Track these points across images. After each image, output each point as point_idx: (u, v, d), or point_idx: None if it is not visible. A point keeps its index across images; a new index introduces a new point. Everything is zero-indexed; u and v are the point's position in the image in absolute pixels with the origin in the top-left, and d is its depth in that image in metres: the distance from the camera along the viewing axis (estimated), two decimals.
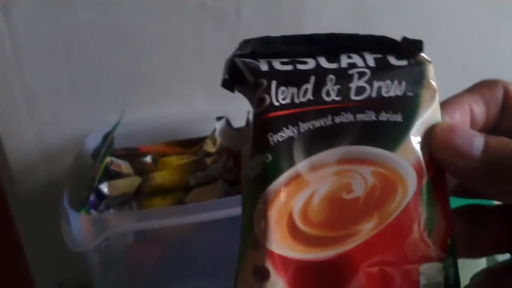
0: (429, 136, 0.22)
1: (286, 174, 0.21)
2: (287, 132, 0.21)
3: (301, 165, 0.21)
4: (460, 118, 0.23)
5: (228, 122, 0.62)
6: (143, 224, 0.49)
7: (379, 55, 0.23)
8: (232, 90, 0.23)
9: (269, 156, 0.21)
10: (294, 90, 0.22)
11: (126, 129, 0.61)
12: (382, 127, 0.22)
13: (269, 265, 0.20)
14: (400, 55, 0.23)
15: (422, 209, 0.22)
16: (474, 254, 0.24)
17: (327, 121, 0.22)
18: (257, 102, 0.22)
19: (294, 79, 0.22)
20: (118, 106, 0.63)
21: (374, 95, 0.22)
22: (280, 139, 0.21)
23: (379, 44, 0.23)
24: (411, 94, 0.22)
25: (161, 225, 0.48)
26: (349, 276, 0.21)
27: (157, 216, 0.49)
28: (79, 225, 0.47)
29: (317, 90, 0.22)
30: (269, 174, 0.21)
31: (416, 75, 0.23)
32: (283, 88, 0.22)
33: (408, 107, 0.22)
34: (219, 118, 0.61)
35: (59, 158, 0.65)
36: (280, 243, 0.21)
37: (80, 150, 0.59)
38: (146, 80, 0.65)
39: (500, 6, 0.67)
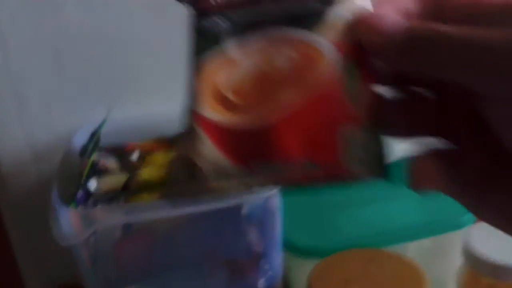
0: (352, 21, 0.24)
1: (215, 53, 0.25)
2: (219, 22, 0.25)
3: (230, 47, 0.25)
4: (389, 8, 0.23)
5: None
6: (130, 218, 0.50)
7: None
8: None
9: (202, 38, 0.25)
10: None
11: (114, 127, 0.61)
12: (306, 15, 0.25)
13: (198, 127, 0.24)
14: None
15: (345, 82, 0.24)
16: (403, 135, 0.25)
17: (258, 16, 0.25)
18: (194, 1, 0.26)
19: None
20: (106, 104, 0.63)
21: None
22: (212, 27, 0.25)
23: None
24: None
25: (148, 218, 0.49)
26: (274, 144, 0.24)
27: (144, 209, 0.50)
28: (68, 220, 0.48)
29: None
30: (200, 52, 0.25)
31: None
32: None
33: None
34: None
35: (48, 156, 0.66)
36: (208, 109, 0.25)
37: (68, 148, 0.60)
38: (133, 77, 0.65)
39: None
